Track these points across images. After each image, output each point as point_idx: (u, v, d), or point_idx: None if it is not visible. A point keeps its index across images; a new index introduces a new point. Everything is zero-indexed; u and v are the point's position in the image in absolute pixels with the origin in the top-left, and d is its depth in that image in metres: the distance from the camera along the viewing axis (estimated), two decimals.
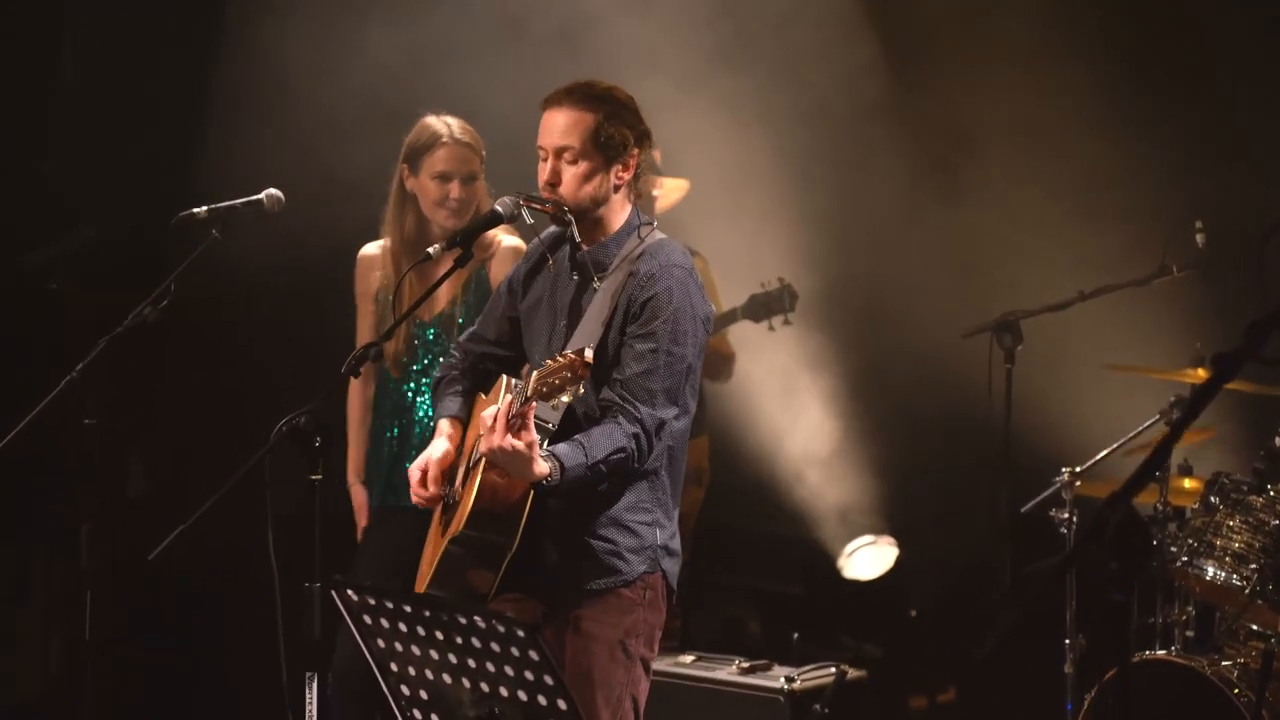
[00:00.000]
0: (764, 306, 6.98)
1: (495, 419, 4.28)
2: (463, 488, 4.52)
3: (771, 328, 6.97)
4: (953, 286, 7.12)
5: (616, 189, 4.57)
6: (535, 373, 4.24)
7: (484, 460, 4.41)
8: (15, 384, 6.38)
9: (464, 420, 4.73)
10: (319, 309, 6.74)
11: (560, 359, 4.19)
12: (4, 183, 7.01)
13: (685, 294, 4.52)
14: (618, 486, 4.51)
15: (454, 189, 5.70)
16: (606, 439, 4.38)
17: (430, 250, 4.69)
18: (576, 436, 4.40)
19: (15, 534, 7.24)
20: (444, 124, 5.75)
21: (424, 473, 4.60)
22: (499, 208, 4.65)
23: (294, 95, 6.99)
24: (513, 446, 4.25)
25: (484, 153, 5.77)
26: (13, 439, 4.93)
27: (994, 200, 7.21)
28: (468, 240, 4.64)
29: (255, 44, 7.10)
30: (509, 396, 4.39)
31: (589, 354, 4.17)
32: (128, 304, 5.01)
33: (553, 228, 4.66)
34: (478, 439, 4.50)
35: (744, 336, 7.21)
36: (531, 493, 4.39)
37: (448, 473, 4.65)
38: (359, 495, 5.88)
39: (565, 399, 4.20)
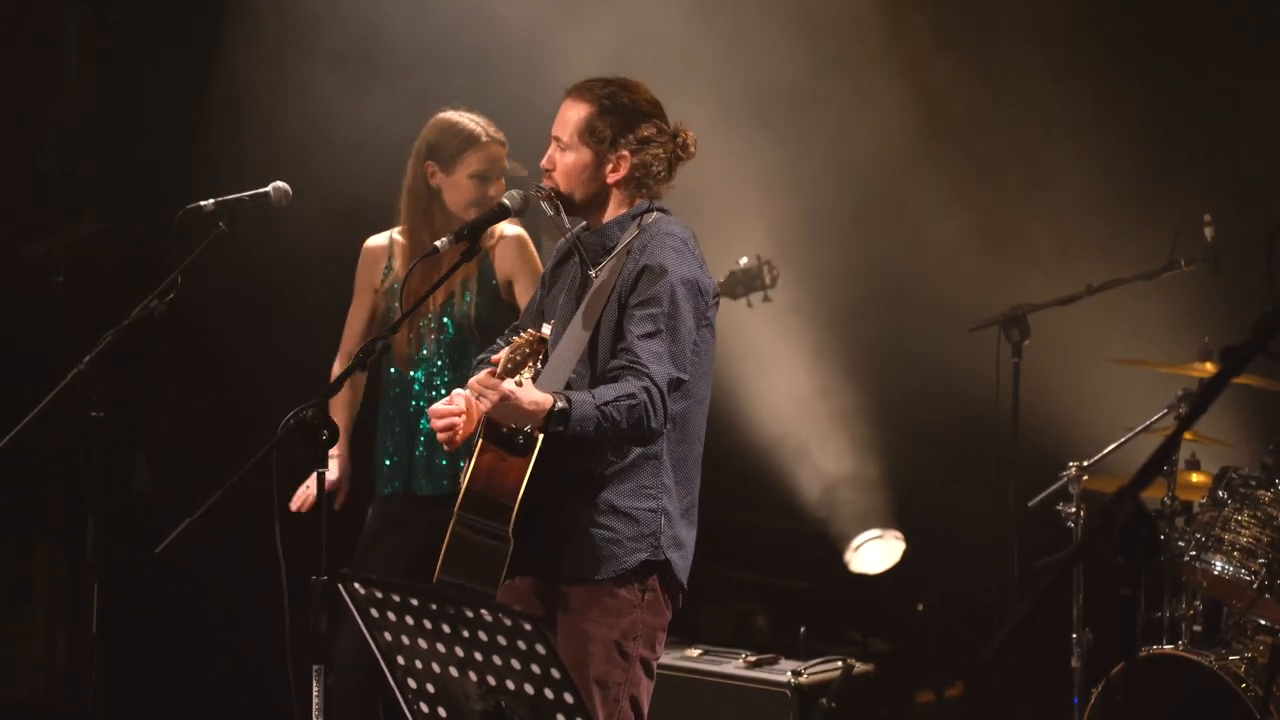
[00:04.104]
0: (742, 283, 6.97)
1: (478, 387, 4.28)
2: (466, 470, 4.53)
3: (750, 304, 6.96)
4: (960, 280, 7.11)
5: (609, 185, 4.58)
6: (504, 350, 4.32)
7: (481, 441, 4.42)
8: (20, 377, 6.40)
9: None
10: (325, 302, 6.73)
11: (520, 337, 4.30)
12: (6, 174, 7.02)
13: (680, 261, 4.50)
14: (620, 469, 4.49)
15: (493, 189, 5.73)
16: (613, 387, 4.37)
17: (437, 244, 4.69)
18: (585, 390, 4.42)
19: (19, 528, 7.25)
20: (476, 123, 5.79)
21: (449, 400, 4.58)
22: (506, 201, 4.68)
23: (297, 88, 6.99)
24: (498, 395, 4.23)
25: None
26: (19, 432, 4.93)
27: (1003, 194, 7.20)
28: (475, 234, 4.66)
29: (259, 34, 7.11)
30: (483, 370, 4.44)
31: (545, 329, 4.33)
32: (133, 297, 5.01)
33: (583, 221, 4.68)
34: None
35: (752, 327, 7.20)
36: (527, 476, 4.38)
37: (473, 422, 4.62)
38: (338, 469, 5.84)
39: (527, 374, 4.25)
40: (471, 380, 4.33)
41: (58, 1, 7.28)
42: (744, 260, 6.90)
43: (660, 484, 4.53)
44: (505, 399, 4.24)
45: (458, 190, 5.74)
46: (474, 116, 5.81)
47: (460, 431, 4.55)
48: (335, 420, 5.85)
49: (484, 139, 5.76)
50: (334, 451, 5.85)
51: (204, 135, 7.11)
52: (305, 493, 5.71)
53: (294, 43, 7.06)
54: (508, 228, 5.74)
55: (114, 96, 7.19)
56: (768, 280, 6.95)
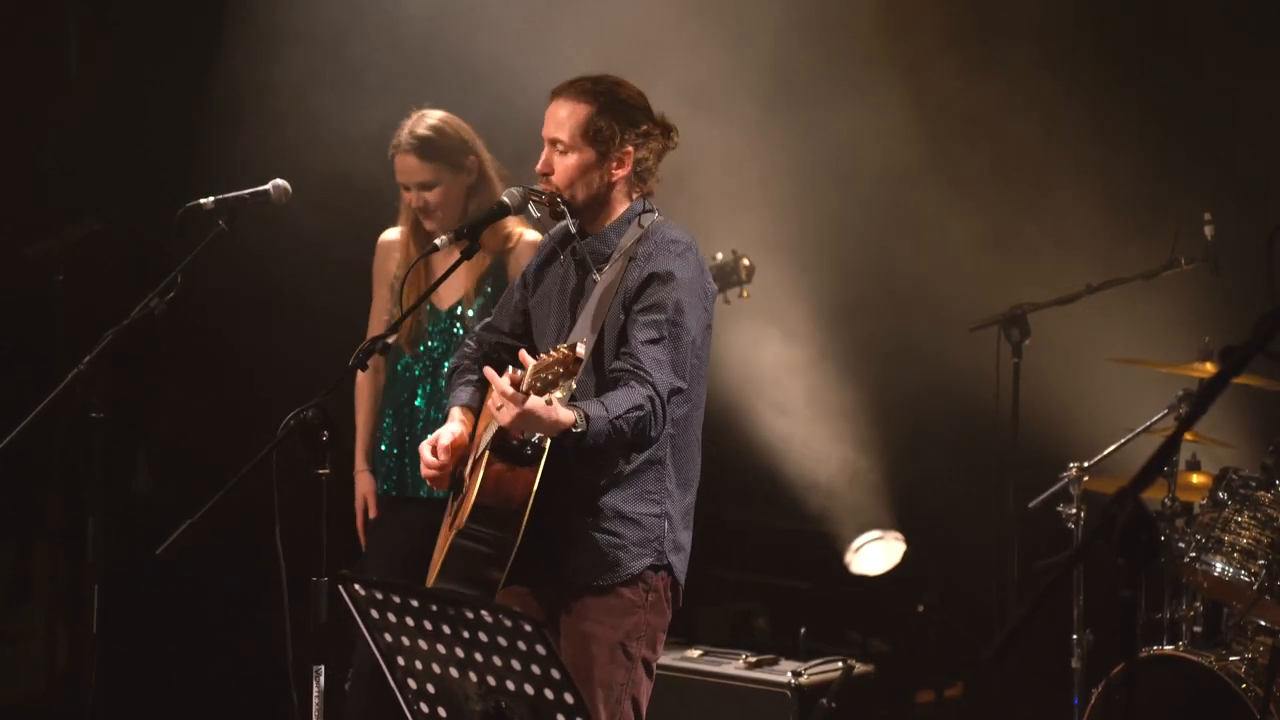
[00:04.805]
0: (718, 279, 6.96)
1: (501, 398, 4.25)
2: (470, 479, 4.52)
3: (727, 300, 6.96)
4: (960, 280, 7.11)
5: (613, 183, 4.56)
6: (531, 366, 4.24)
7: (489, 453, 4.41)
8: (20, 377, 6.39)
9: (475, 410, 4.72)
10: (325, 302, 6.73)
11: (554, 353, 4.21)
12: (6, 174, 7.01)
13: (685, 266, 4.50)
14: (625, 475, 4.49)
15: (412, 198, 5.72)
16: (624, 397, 4.36)
17: (437, 241, 4.69)
18: (595, 399, 4.39)
19: (19, 528, 7.24)
20: (406, 129, 5.73)
21: (433, 447, 4.58)
22: (506, 199, 4.66)
23: (296, 87, 6.99)
24: (525, 409, 4.20)
25: (458, 155, 5.71)
26: (19, 433, 4.92)
27: (1003, 193, 7.19)
28: (474, 232, 4.65)
29: (259, 35, 7.10)
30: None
31: (581, 350, 4.20)
32: (133, 297, 5.00)
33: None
34: (486, 429, 4.50)
35: (752, 326, 7.20)
36: (535, 486, 4.38)
37: (460, 455, 4.62)
38: (365, 483, 5.89)
39: (559, 394, 4.21)
40: (492, 396, 4.30)
41: (58, 1, 7.27)
42: (719, 256, 6.90)
43: (664, 489, 4.54)
44: (526, 415, 4.22)
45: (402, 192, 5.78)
46: (417, 121, 5.73)
47: (445, 479, 4.58)
48: (361, 426, 5.89)
49: (398, 147, 5.72)
50: (359, 466, 5.88)
51: (204, 135, 7.10)
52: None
53: (293, 42, 7.05)
54: (527, 232, 5.73)
55: (114, 96, 7.18)
56: (743, 275, 6.94)
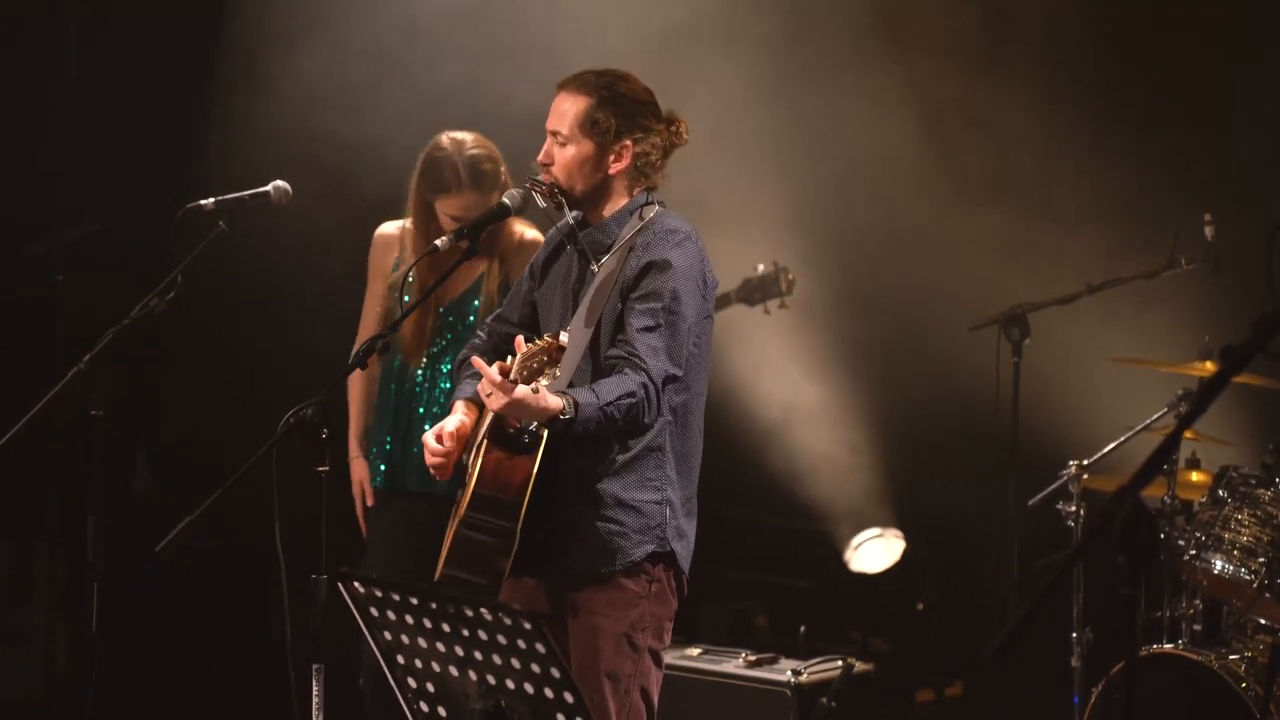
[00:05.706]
0: (758, 289, 6.96)
1: (489, 386, 4.27)
2: (470, 469, 4.53)
3: (766, 311, 6.96)
4: (961, 279, 7.11)
5: (612, 175, 4.57)
6: (519, 355, 4.25)
7: (486, 442, 4.42)
8: (20, 377, 6.40)
9: (479, 403, 4.72)
10: (325, 302, 6.73)
11: (539, 343, 4.26)
12: (6, 174, 7.02)
13: (683, 255, 4.51)
14: (624, 462, 4.50)
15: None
16: (616, 384, 4.36)
17: (438, 243, 4.69)
18: (586, 386, 4.40)
19: (19, 528, 7.24)
20: (458, 166, 5.71)
21: (438, 435, 4.58)
22: (506, 200, 4.67)
23: (297, 87, 6.99)
24: (513, 397, 4.21)
25: (499, 175, 5.73)
26: (18, 431, 4.92)
27: (1003, 193, 7.20)
28: (474, 233, 4.66)
29: (259, 35, 7.11)
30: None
31: (564, 337, 4.25)
32: (133, 297, 5.01)
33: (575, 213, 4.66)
34: (484, 419, 4.51)
35: (753, 325, 7.21)
36: (534, 474, 4.39)
37: (464, 444, 4.62)
38: (360, 469, 5.89)
39: (544, 382, 4.23)
40: (481, 384, 4.32)
41: (58, 1, 7.27)
42: (761, 267, 6.92)
43: (664, 476, 4.54)
44: (515, 402, 4.23)
45: (442, 218, 5.75)
46: (462, 155, 5.73)
47: (450, 467, 4.57)
48: (354, 413, 5.90)
49: (456, 188, 5.70)
50: (353, 453, 5.88)
51: (204, 135, 7.10)
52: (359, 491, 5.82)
53: (294, 42, 7.06)
54: (528, 231, 5.74)
55: (114, 96, 7.18)
56: (784, 287, 6.96)
